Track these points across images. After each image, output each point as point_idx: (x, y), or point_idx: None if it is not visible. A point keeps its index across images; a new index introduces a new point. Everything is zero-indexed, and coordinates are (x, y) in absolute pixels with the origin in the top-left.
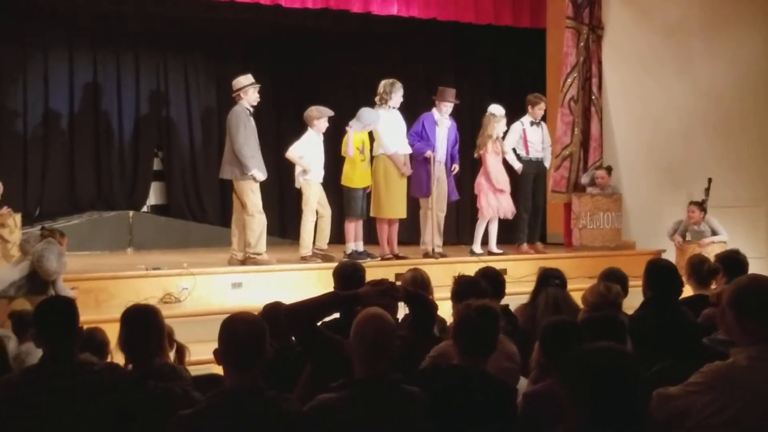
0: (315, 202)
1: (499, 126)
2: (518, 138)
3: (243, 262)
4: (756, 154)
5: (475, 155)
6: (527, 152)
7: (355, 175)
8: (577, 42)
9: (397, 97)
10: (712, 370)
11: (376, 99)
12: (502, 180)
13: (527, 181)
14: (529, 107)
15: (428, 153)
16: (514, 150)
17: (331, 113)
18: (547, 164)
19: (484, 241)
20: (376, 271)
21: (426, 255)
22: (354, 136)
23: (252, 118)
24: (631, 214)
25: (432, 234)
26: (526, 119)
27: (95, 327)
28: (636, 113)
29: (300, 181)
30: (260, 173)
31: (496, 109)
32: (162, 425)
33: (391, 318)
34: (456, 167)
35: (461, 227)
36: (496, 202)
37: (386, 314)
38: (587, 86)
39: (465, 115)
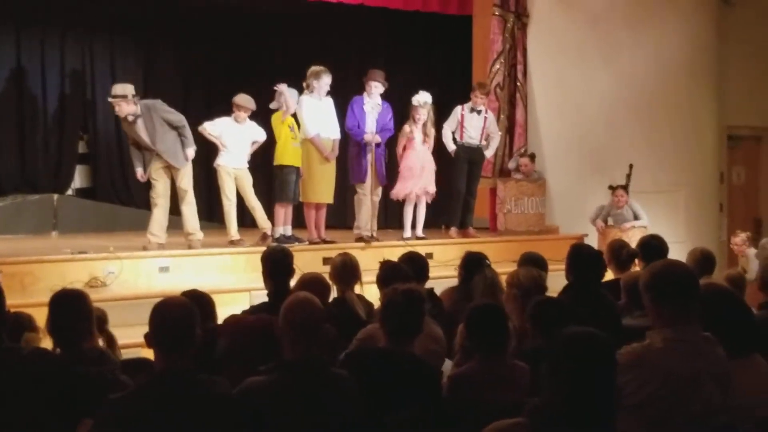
0: (228, 189)
1: (421, 112)
2: (456, 122)
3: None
4: (675, 141)
5: (398, 150)
6: (461, 137)
7: (287, 152)
8: (503, 29)
9: (322, 84)
10: (629, 351)
11: (304, 85)
12: (419, 164)
13: (460, 165)
14: (471, 93)
15: (367, 137)
16: (453, 133)
17: (253, 108)
18: (487, 153)
19: (413, 225)
20: (304, 255)
21: (359, 239)
22: (282, 118)
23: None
24: (555, 200)
25: (367, 218)
26: (467, 105)
27: (19, 311)
28: (560, 100)
29: (215, 162)
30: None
31: (417, 96)
32: (91, 409)
33: (320, 302)
34: (377, 138)
35: (389, 211)
36: (411, 185)
37: (314, 298)
38: (513, 73)
39: (396, 101)
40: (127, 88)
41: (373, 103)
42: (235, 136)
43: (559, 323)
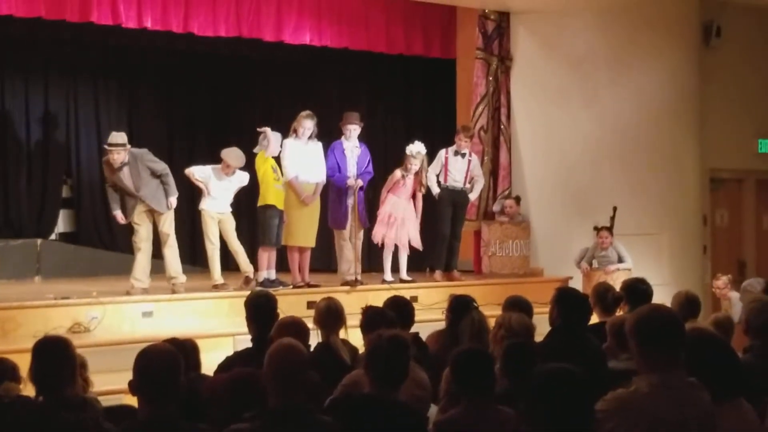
0: (212, 233)
1: (416, 163)
2: (440, 165)
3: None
4: (659, 183)
5: (382, 191)
6: (445, 180)
7: (270, 193)
8: (486, 73)
9: (305, 127)
10: (615, 397)
11: (291, 129)
12: (398, 214)
13: (444, 208)
14: (456, 137)
15: (350, 181)
16: (438, 176)
17: (241, 165)
18: (471, 195)
19: (395, 269)
20: (288, 299)
21: (344, 283)
22: (264, 158)
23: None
24: (539, 242)
25: (350, 263)
26: (451, 148)
27: (3, 357)
28: (543, 143)
29: (199, 204)
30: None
31: (412, 147)
32: None
33: (304, 348)
34: (359, 182)
35: (373, 253)
36: (387, 231)
37: (299, 345)
38: (496, 116)
39: (380, 144)
40: (124, 137)
41: (351, 146)
42: (221, 185)
43: (529, 365)
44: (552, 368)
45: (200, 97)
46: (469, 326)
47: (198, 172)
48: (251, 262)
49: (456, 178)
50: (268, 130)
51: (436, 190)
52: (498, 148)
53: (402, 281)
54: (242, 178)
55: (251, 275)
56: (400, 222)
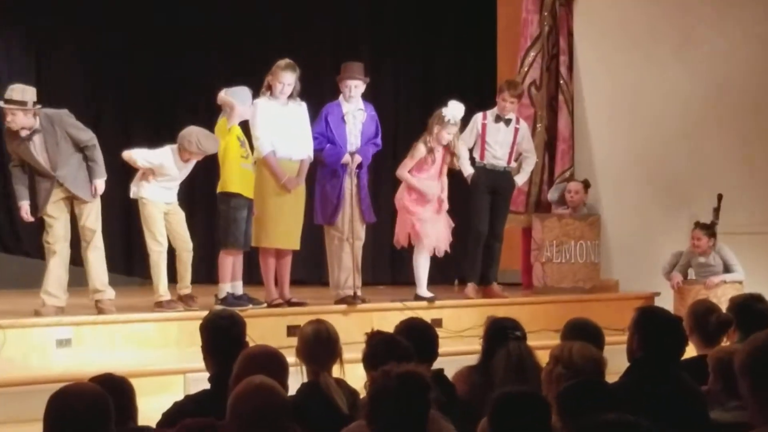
0: (158, 230)
1: (452, 134)
2: (475, 136)
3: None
4: None
5: (398, 172)
6: (482, 156)
7: (235, 175)
8: (540, 5)
9: (284, 81)
10: None
11: (264, 86)
12: (432, 201)
13: (480, 197)
14: (497, 96)
15: (346, 158)
16: (471, 152)
17: (212, 152)
18: (519, 179)
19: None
20: (261, 323)
21: (339, 301)
22: (227, 127)
23: None
24: (614, 244)
25: (348, 271)
26: (491, 112)
27: None
28: (619, 104)
29: (133, 192)
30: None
31: (448, 108)
32: None
33: (283, 391)
34: (357, 158)
35: (378, 260)
36: (434, 229)
37: (275, 385)
38: (553, 67)
39: (385, 109)
40: (27, 92)
41: (353, 110)
42: (172, 175)
43: (596, 415)
44: (613, 420)
45: (139, 42)
46: (504, 361)
47: (150, 158)
48: (207, 270)
49: (497, 155)
50: (226, 95)
51: (469, 170)
52: (555, 112)
53: (419, 298)
54: (191, 164)
55: (189, 293)
56: (432, 215)
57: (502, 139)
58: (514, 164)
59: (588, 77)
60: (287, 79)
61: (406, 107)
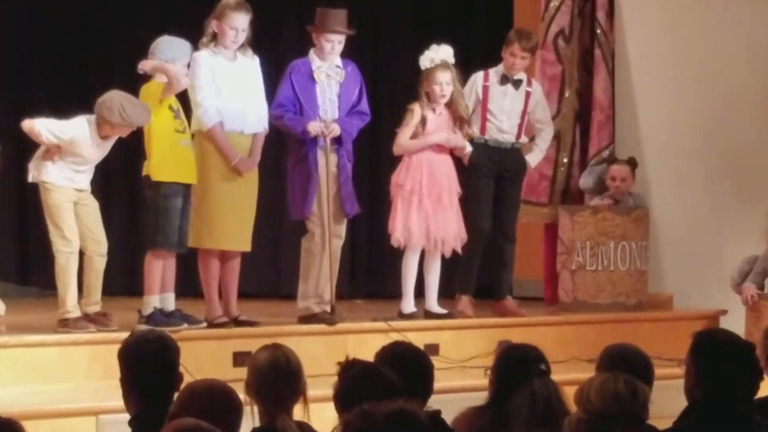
0: (67, 226)
1: (444, 82)
2: (474, 102)
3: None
4: None
5: (395, 149)
6: (483, 130)
7: (167, 155)
8: None
9: (234, 26)
10: None
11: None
12: (442, 182)
13: (480, 182)
14: (503, 50)
15: (312, 126)
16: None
17: (141, 124)
18: (533, 159)
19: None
20: (199, 347)
21: (307, 318)
22: (156, 93)
23: None
24: (667, 246)
25: (325, 280)
26: (496, 71)
27: None
28: (682, 63)
29: (33, 176)
30: None
31: (430, 53)
32: None
33: None
34: (333, 129)
35: (360, 266)
36: (423, 223)
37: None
38: (588, 11)
39: (372, 66)
40: None
41: (329, 69)
42: (92, 150)
43: None
44: None
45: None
46: (528, 404)
47: (60, 130)
48: (127, 279)
49: (503, 127)
50: (157, 53)
51: (466, 149)
52: (591, 72)
53: (429, 315)
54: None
55: (99, 311)
56: (435, 201)
57: (509, 106)
58: (525, 139)
59: (635, 24)
60: (240, 22)
61: (396, 64)
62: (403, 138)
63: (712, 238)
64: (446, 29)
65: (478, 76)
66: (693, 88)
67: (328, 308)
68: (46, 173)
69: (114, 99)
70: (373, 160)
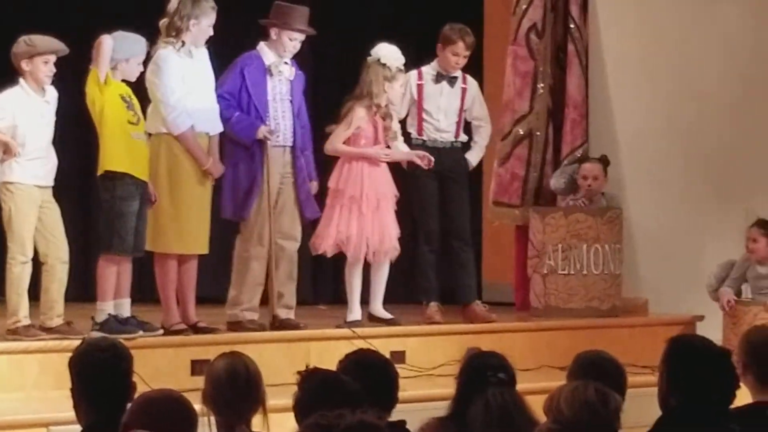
0: (26, 230)
1: (394, 86)
2: (408, 103)
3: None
4: None
5: (327, 147)
6: (419, 130)
7: (120, 149)
8: None
9: (203, 24)
10: None
11: (161, 29)
12: (380, 189)
13: (423, 184)
14: (439, 48)
15: (261, 130)
16: (403, 123)
17: (60, 48)
18: (473, 157)
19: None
20: (155, 356)
21: (234, 326)
22: (99, 81)
23: None
24: (642, 249)
25: (256, 288)
26: (429, 70)
27: None
28: (658, 60)
29: None
30: None
31: (387, 53)
32: None
33: None
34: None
35: (324, 271)
36: (362, 231)
37: None
38: (561, 5)
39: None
40: None
41: (285, 68)
42: (36, 124)
43: None
44: None
45: None
46: (482, 414)
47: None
48: (79, 284)
49: (441, 126)
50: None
51: (401, 151)
52: (564, 69)
53: (373, 319)
54: (53, 95)
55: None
56: (373, 209)
57: (445, 104)
58: (464, 137)
59: (609, 19)
60: (207, 19)
61: (329, 61)
62: (339, 139)
63: (689, 240)
64: (414, 24)
65: (411, 75)
66: (668, 86)
67: (256, 316)
68: (10, 173)
69: (21, 41)
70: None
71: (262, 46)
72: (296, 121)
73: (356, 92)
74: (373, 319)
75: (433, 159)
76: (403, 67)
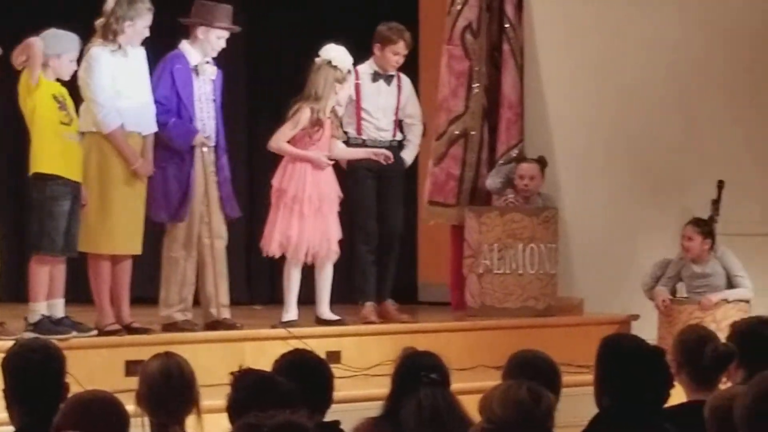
0: None
1: (345, 87)
2: (347, 100)
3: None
4: None
5: (271, 144)
6: (359, 130)
7: (52, 149)
8: None
9: (138, 25)
10: None
11: (97, 28)
12: (323, 189)
13: (361, 183)
14: (377, 48)
15: (198, 138)
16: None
17: None
18: (408, 155)
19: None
20: (89, 357)
21: (168, 327)
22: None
23: None
24: (577, 249)
25: (189, 288)
26: (366, 69)
27: None
28: (591, 60)
29: None
30: None
31: (337, 55)
32: None
33: None
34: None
35: (259, 271)
36: (303, 232)
37: None
38: (495, 5)
39: (263, 64)
40: None
41: (208, 67)
42: None
43: None
44: None
45: None
46: (413, 414)
47: None
48: (11, 285)
49: (380, 125)
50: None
51: (342, 152)
52: (499, 68)
53: (320, 321)
54: None
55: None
56: (315, 211)
57: (383, 103)
58: (401, 136)
59: (544, 20)
60: (144, 19)
61: (264, 60)
62: (284, 137)
63: (624, 240)
64: (349, 22)
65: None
66: (601, 85)
67: (190, 316)
68: None
69: None
70: (253, 163)
71: (186, 45)
72: (218, 120)
73: (305, 93)
74: (320, 322)
75: (391, 155)
76: (352, 69)
